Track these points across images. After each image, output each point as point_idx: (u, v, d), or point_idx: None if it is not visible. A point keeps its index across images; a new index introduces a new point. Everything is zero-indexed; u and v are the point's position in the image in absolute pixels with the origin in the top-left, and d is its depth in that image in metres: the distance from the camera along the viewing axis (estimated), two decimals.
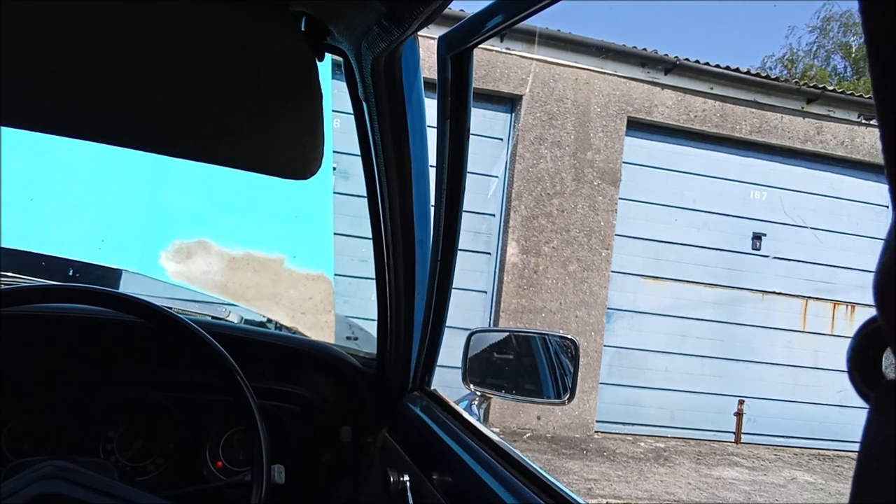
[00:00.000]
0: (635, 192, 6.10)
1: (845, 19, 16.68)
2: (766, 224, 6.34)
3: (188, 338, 1.02)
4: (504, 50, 5.80)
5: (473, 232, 5.83)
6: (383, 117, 0.89)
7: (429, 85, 0.85)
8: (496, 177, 5.95)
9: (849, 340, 0.28)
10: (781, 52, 19.10)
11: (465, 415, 1.04)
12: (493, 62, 5.76)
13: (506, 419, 5.81)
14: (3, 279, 1.37)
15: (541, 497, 0.75)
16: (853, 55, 16.49)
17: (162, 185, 1.81)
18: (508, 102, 6.00)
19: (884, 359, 0.27)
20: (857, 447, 0.27)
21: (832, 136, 6.38)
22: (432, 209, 1.00)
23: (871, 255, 6.27)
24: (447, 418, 1.04)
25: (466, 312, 5.72)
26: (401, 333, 1.11)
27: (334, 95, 1.66)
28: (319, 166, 0.80)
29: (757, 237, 6.33)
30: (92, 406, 1.15)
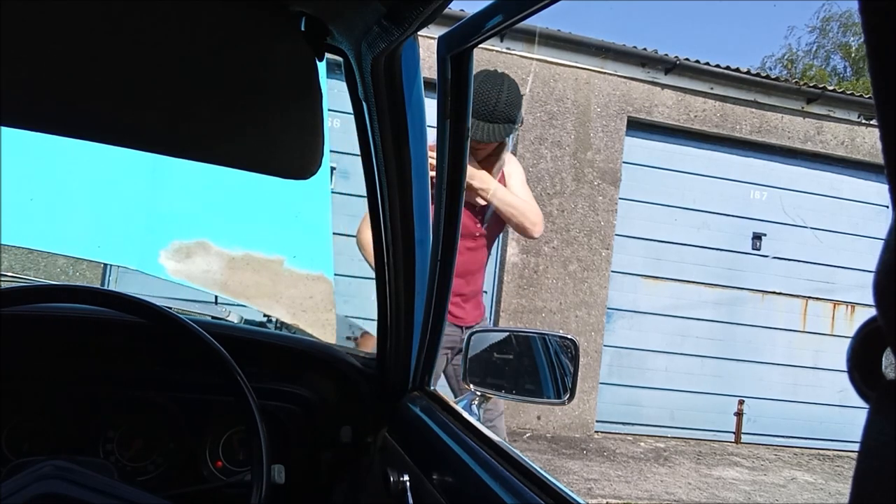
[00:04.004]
0: (635, 192, 6.10)
1: (845, 19, 16.68)
2: (766, 224, 6.34)
3: (188, 338, 1.02)
4: (504, 50, 5.80)
5: None
6: (383, 117, 0.89)
7: (429, 85, 0.85)
8: None
9: (849, 340, 0.28)
10: (781, 52, 19.11)
11: (465, 415, 1.04)
12: (493, 62, 5.76)
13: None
14: (2, 279, 1.37)
15: (541, 497, 0.75)
16: (853, 55, 16.48)
17: (162, 185, 1.81)
18: None
19: (884, 359, 0.27)
20: (857, 447, 0.27)
21: (832, 136, 6.37)
22: (432, 209, 1.00)
23: (871, 255, 6.26)
24: (447, 418, 1.04)
25: None
26: (401, 333, 1.11)
27: (334, 95, 1.66)
28: (319, 166, 0.80)
29: (757, 237, 6.33)
30: (92, 406, 1.15)
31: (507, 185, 2.41)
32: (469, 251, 2.40)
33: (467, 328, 2.40)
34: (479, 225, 2.41)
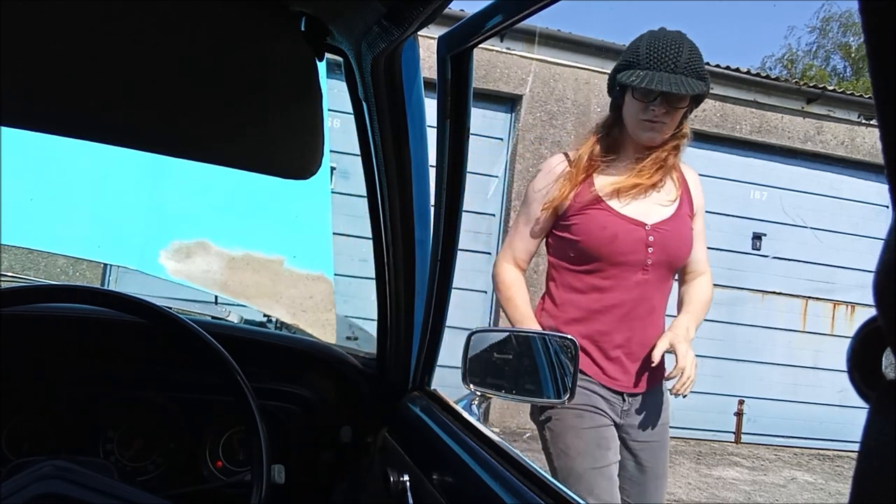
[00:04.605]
0: None
1: (845, 19, 16.69)
2: (766, 224, 6.34)
3: (188, 338, 1.02)
4: (504, 50, 5.79)
5: (473, 232, 5.82)
6: (383, 117, 0.89)
7: (429, 85, 0.84)
8: (496, 177, 5.95)
9: (849, 340, 0.28)
10: (781, 52, 19.13)
11: (465, 415, 1.04)
12: (493, 62, 5.76)
13: (506, 419, 5.81)
14: (2, 279, 1.37)
15: (541, 497, 0.75)
16: (853, 55, 16.49)
17: (162, 185, 1.81)
18: (508, 102, 5.99)
19: (884, 359, 0.27)
20: (857, 447, 0.26)
21: (832, 136, 6.37)
22: (432, 209, 1.00)
23: (871, 255, 6.26)
24: (447, 418, 1.04)
25: (466, 312, 5.72)
26: (401, 333, 1.11)
27: (334, 95, 1.66)
28: (319, 166, 0.80)
29: (757, 237, 6.33)
30: (92, 406, 1.15)
31: (694, 219, 1.84)
32: (637, 286, 1.69)
33: (629, 395, 1.73)
34: (649, 250, 1.70)
